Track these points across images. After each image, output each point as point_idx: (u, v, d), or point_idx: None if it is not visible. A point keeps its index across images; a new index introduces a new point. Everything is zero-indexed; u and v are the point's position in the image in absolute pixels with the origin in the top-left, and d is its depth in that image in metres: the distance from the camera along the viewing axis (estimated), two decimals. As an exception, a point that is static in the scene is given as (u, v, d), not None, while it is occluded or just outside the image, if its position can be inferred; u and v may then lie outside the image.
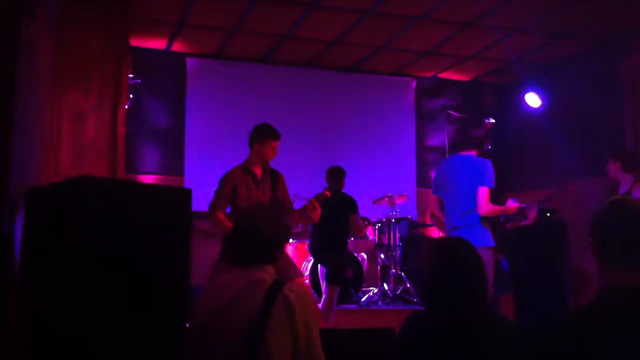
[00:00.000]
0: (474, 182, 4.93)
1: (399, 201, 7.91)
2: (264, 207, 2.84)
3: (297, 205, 5.67)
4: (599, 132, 7.96)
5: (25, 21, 2.78)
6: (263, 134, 5.22)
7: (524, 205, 5.48)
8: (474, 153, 5.09)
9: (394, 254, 7.77)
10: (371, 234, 8.15)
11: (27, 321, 2.77)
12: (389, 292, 7.40)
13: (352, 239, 7.66)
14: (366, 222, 8.05)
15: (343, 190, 7.00)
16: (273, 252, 2.66)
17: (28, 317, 2.78)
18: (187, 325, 2.70)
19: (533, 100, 8.51)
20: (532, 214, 5.52)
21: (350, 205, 6.91)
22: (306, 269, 7.46)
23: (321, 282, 6.96)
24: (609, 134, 7.84)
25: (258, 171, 5.24)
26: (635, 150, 7.32)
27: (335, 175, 7.02)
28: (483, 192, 4.89)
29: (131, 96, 7.62)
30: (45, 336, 2.64)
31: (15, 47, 2.68)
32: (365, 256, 7.79)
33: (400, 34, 7.92)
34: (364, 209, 8.25)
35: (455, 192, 5.03)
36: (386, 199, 7.88)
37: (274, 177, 5.28)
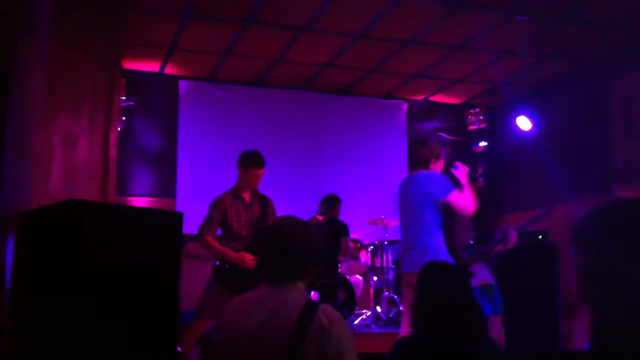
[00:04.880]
0: (419, 200, 4.74)
1: (391, 224, 7.91)
2: (292, 220, 2.68)
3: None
4: (589, 153, 8.01)
5: (19, 43, 2.79)
6: (247, 162, 5.30)
7: (506, 229, 5.24)
8: (422, 170, 4.90)
9: (386, 276, 7.74)
10: (364, 256, 8.13)
11: (18, 343, 2.75)
12: (382, 315, 7.36)
13: (344, 261, 7.67)
14: (359, 245, 8.06)
15: (338, 216, 7.08)
16: (304, 267, 2.48)
17: (18, 339, 2.75)
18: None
19: (524, 123, 8.56)
20: (513, 238, 5.00)
21: (341, 229, 6.98)
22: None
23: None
24: (598, 155, 7.88)
25: (247, 196, 5.32)
26: (624, 170, 7.36)
27: (330, 202, 7.12)
28: (454, 198, 4.67)
29: (124, 118, 7.64)
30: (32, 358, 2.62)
31: (8, 68, 2.69)
32: (360, 278, 7.77)
33: (390, 58, 7.98)
34: (357, 231, 8.25)
35: (406, 212, 4.92)
36: (378, 221, 7.88)
37: (263, 202, 5.34)
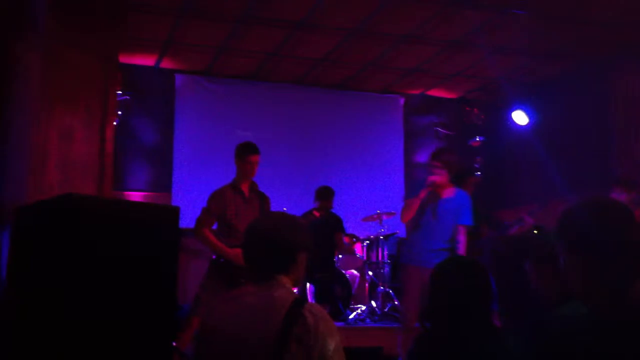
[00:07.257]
0: None
1: (386, 218, 7.92)
2: (277, 213, 2.66)
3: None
4: (586, 149, 8.02)
5: (15, 39, 2.78)
6: (241, 150, 5.30)
7: (521, 216, 6.16)
8: None
9: (382, 271, 7.77)
10: (359, 251, 8.15)
11: (12, 337, 2.75)
12: (377, 309, 7.38)
13: (340, 256, 7.68)
14: (354, 239, 8.07)
15: (332, 209, 7.09)
16: (284, 261, 2.44)
17: (12, 333, 2.76)
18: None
19: (520, 118, 8.54)
20: (529, 220, 6.08)
21: (336, 224, 7.00)
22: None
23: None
24: (595, 151, 7.90)
25: (245, 189, 5.29)
26: (621, 167, 7.39)
27: (324, 195, 7.12)
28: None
29: (120, 113, 7.62)
30: (27, 354, 2.62)
31: (5, 64, 2.69)
32: (357, 273, 7.79)
33: (387, 52, 7.98)
34: (353, 226, 8.26)
35: None
36: (375, 216, 7.90)
37: (262, 198, 5.33)
